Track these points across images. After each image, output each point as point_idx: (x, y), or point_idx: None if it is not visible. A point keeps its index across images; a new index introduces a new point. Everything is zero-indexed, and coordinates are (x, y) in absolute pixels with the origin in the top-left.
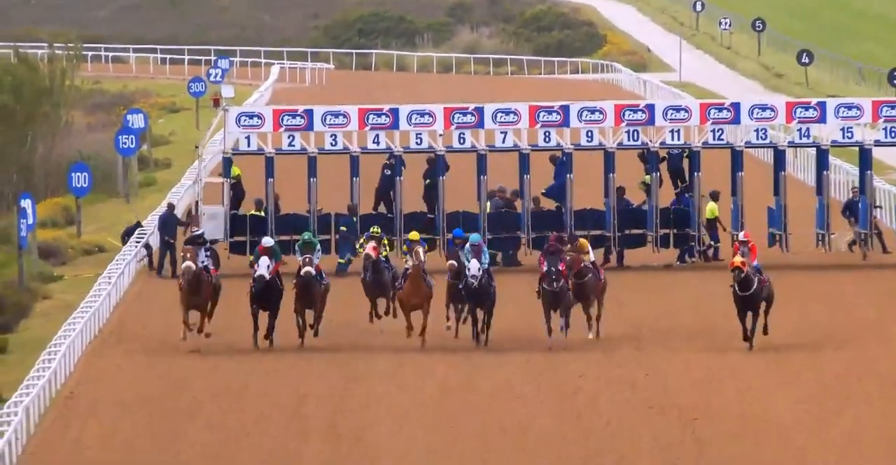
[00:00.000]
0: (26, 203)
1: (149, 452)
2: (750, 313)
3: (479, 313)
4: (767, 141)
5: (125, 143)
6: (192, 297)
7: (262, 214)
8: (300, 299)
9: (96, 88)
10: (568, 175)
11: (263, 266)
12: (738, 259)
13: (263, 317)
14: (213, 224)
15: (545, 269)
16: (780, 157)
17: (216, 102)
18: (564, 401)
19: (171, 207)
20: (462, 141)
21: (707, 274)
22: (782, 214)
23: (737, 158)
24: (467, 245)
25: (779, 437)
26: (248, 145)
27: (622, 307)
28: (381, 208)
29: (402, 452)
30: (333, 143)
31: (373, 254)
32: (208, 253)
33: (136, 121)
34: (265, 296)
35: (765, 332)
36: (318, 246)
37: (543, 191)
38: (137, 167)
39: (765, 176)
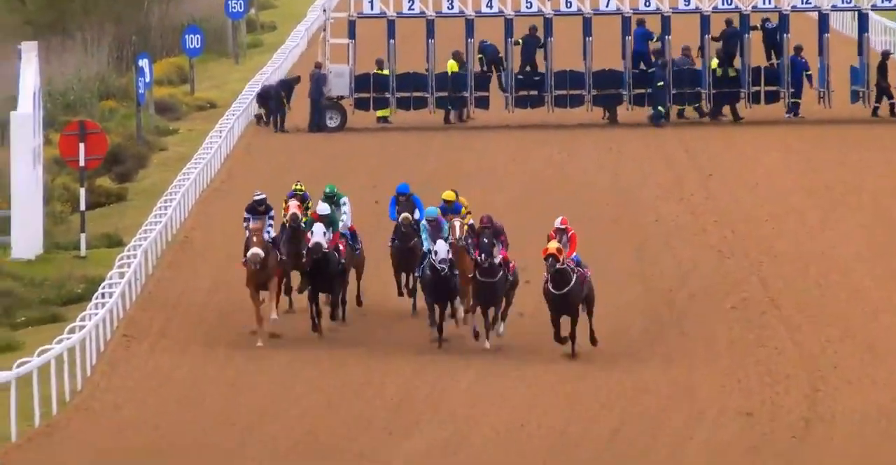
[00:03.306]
0: (144, 63)
1: None
2: (567, 317)
3: (437, 308)
4: (852, 4)
5: (234, 6)
6: (259, 273)
7: (385, 72)
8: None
9: None
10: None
11: (319, 233)
12: (552, 245)
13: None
14: (339, 81)
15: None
16: (863, 20)
17: None
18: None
19: (317, 65)
20: (569, 5)
21: None
22: (865, 73)
23: (824, 21)
24: (423, 222)
25: None
26: (372, 9)
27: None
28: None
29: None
30: (450, 6)
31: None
32: (271, 222)
33: None
34: (319, 271)
35: (592, 342)
36: (346, 200)
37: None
38: (246, 30)
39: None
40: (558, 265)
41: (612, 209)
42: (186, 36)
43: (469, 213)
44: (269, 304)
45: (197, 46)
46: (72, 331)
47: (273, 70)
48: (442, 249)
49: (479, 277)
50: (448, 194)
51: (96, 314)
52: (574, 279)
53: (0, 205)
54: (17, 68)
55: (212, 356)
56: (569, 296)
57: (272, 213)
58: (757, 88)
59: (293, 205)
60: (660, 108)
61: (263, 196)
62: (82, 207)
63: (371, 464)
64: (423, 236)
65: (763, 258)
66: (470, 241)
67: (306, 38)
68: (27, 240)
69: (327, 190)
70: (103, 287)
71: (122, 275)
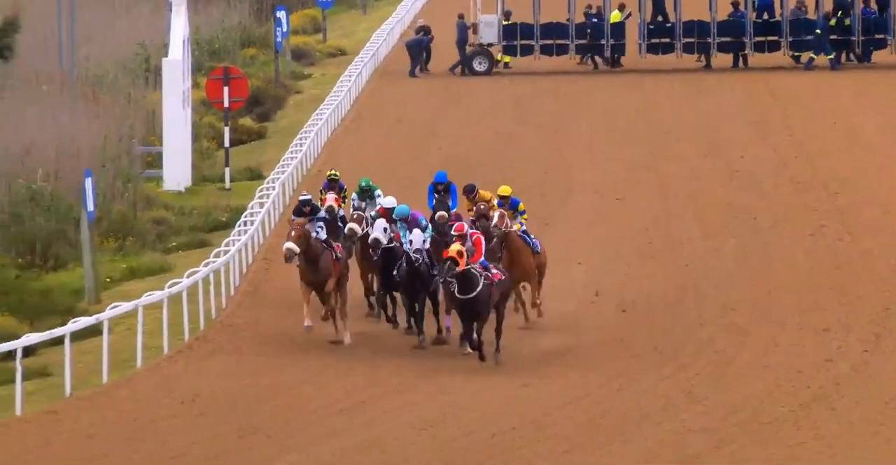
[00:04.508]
0: (281, 14)
1: None
2: (474, 323)
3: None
4: None
5: None
6: (310, 274)
7: (510, 22)
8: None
9: None
10: None
11: (379, 229)
12: (454, 248)
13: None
14: (488, 31)
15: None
16: None
17: None
18: None
19: (461, 16)
20: None
21: None
22: None
23: None
24: (399, 221)
25: None
26: None
27: None
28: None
29: None
30: None
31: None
32: (321, 224)
33: None
34: (388, 268)
35: (496, 349)
36: (380, 193)
37: None
38: None
39: None
40: (458, 269)
41: (704, 146)
42: None
43: (525, 211)
44: (336, 309)
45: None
46: (217, 255)
47: (396, 21)
48: (417, 238)
49: (457, 294)
50: (504, 190)
51: (239, 240)
52: (482, 284)
53: (153, 142)
54: (168, 19)
55: None
56: (476, 300)
57: (321, 214)
58: (866, 37)
59: (330, 197)
60: (813, 55)
61: (309, 197)
62: (226, 143)
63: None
64: (402, 232)
65: (839, 189)
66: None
67: None
68: (178, 174)
69: (362, 183)
70: (245, 216)
71: (261, 205)
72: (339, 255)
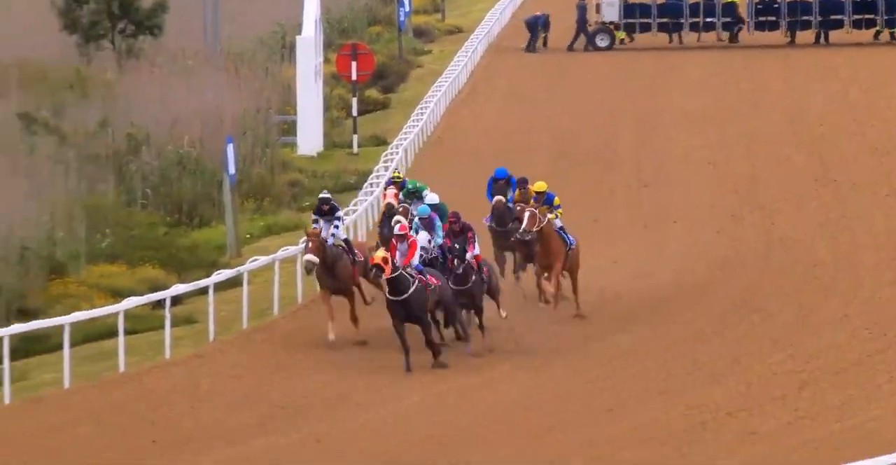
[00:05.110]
0: None
1: None
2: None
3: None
4: None
5: None
6: (328, 279)
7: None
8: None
9: None
10: None
11: (424, 239)
12: (379, 254)
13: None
14: (610, 9)
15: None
16: None
17: None
18: None
19: None
20: None
21: None
22: None
23: None
24: (416, 219)
25: None
26: None
27: None
28: None
29: None
30: None
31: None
32: (339, 223)
33: None
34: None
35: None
36: (427, 192)
37: None
38: None
39: None
40: (384, 276)
41: (788, 116)
42: None
43: (560, 205)
44: (350, 311)
45: None
46: (347, 213)
47: (509, 1)
48: (423, 237)
49: (451, 285)
50: (539, 186)
51: (366, 201)
52: (414, 286)
53: (288, 112)
54: (302, 1)
55: None
56: (408, 303)
57: (339, 213)
58: None
59: (390, 193)
60: None
61: (328, 196)
62: (354, 113)
63: None
64: (414, 231)
65: None
66: (443, 244)
67: None
68: (310, 140)
69: (409, 186)
70: (371, 178)
71: (386, 168)
72: (357, 258)
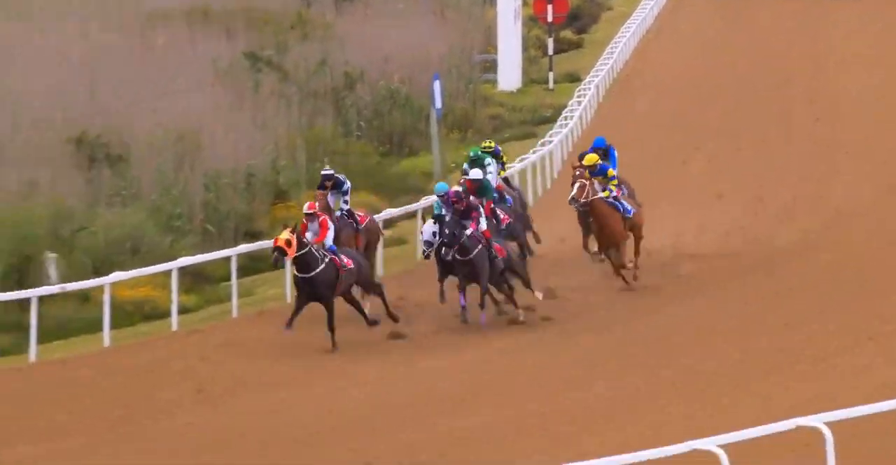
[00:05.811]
0: None
1: (680, 122)
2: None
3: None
4: None
5: None
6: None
7: None
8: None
9: None
10: None
11: (428, 233)
12: (283, 236)
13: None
14: None
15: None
16: None
17: None
18: None
19: None
20: None
21: None
22: None
23: None
24: (436, 200)
25: None
26: None
27: None
28: None
29: None
30: None
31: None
32: (346, 197)
33: None
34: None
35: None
36: (490, 161)
37: None
38: None
39: None
40: (286, 258)
41: (808, 74)
42: None
43: (616, 176)
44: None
45: None
46: (542, 144)
47: None
48: (427, 231)
49: (457, 256)
50: (589, 159)
51: (560, 132)
52: (323, 265)
53: (490, 51)
54: None
55: None
56: (314, 280)
57: (346, 187)
58: None
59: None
60: None
61: (331, 171)
62: (550, 52)
63: None
64: (436, 209)
65: None
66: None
67: None
68: (510, 77)
69: (471, 154)
70: (566, 112)
71: (580, 103)
72: (360, 226)
